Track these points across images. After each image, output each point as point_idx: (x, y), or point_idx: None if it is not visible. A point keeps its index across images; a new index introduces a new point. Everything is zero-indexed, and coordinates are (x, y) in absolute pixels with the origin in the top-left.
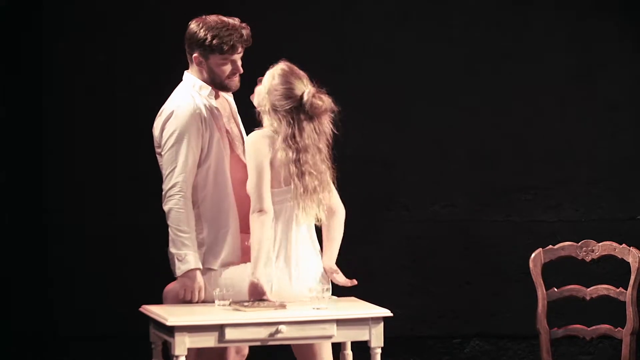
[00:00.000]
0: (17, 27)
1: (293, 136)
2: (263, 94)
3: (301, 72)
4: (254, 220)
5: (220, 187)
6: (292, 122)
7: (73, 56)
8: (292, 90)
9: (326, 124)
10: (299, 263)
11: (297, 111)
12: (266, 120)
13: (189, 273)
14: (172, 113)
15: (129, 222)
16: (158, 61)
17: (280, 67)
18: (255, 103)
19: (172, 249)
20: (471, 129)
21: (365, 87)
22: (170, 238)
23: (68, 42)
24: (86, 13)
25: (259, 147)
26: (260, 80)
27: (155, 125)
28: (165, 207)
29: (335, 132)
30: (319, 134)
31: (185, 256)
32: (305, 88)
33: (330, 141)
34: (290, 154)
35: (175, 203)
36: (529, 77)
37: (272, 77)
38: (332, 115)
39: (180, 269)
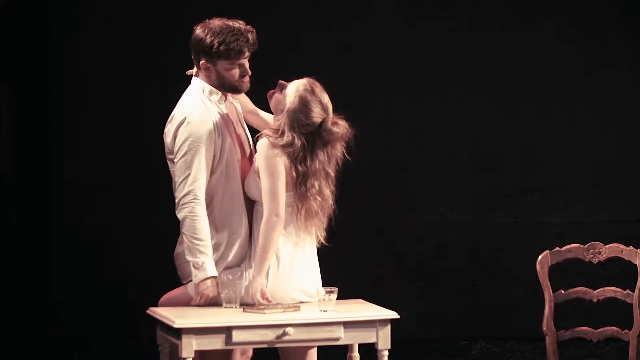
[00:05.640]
0: (22, 26)
1: (304, 159)
2: (283, 111)
3: (323, 95)
4: (270, 224)
5: (232, 193)
6: (306, 145)
7: (79, 56)
8: (312, 117)
9: (339, 149)
10: (294, 267)
11: (312, 136)
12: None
13: (206, 281)
14: (184, 120)
15: (135, 223)
16: (165, 61)
17: (303, 88)
18: (272, 108)
19: (188, 257)
20: (478, 131)
21: (372, 90)
22: (185, 246)
23: (74, 43)
24: (93, 13)
25: (274, 153)
26: (281, 84)
27: (166, 131)
28: (179, 215)
29: (348, 157)
30: (330, 157)
31: (203, 264)
32: (324, 114)
33: (340, 165)
34: (296, 175)
35: (189, 211)
36: (535, 80)
37: (293, 97)
38: (346, 140)
39: (197, 276)
